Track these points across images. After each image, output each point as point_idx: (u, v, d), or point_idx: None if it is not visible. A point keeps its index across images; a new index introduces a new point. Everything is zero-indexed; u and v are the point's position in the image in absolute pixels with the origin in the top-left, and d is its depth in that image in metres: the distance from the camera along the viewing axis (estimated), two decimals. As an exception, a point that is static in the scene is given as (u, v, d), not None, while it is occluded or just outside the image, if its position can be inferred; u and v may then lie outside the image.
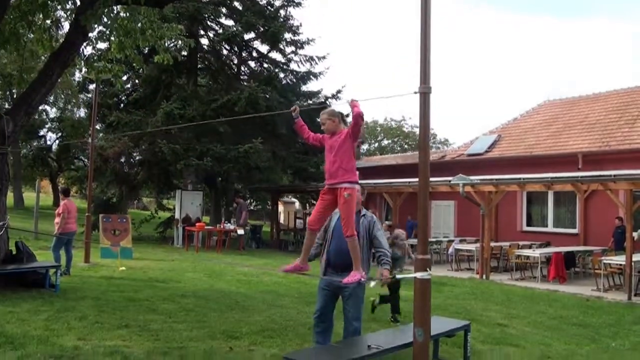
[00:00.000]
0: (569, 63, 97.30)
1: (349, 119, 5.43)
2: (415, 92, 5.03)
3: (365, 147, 56.50)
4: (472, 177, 15.55)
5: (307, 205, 29.11)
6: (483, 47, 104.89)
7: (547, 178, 15.18)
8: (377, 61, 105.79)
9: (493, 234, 18.06)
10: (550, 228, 19.97)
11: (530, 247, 16.97)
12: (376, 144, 60.09)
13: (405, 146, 56.66)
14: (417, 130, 57.25)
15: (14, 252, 9.97)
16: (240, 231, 20.54)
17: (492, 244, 16.13)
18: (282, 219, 30.96)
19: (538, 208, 20.73)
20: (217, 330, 7.24)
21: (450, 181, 15.89)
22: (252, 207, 35.33)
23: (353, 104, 5.14)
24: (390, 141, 59.86)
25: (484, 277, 15.02)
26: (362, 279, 5.27)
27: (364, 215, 5.98)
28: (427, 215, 5.08)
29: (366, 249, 5.78)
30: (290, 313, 8.69)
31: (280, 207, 30.91)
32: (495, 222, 19.53)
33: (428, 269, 4.94)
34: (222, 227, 20.40)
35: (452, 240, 18.87)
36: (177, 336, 6.83)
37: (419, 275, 4.91)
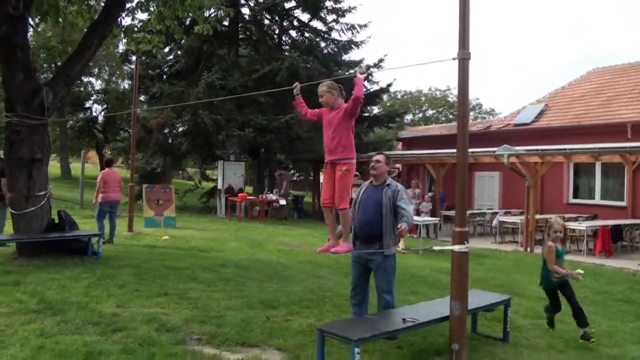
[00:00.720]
0: (619, 29, 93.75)
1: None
2: (454, 59, 4.87)
3: (409, 117, 55.94)
4: (517, 148, 15.18)
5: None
6: (532, 13, 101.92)
7: (595, 149, 14.70)
8: (420, 28, 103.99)
9: (538, 206, 17.65)
10: (597, 200, 19.39)
11: (576, 219, 16.56)
12: (420, 114, 59.42)
13: (450, 116, 55.86)
14: (461, 100, 56.86)
15: (57, 221, 10.15)
16: (282, 201, 20.61)
17: (537, 216, 15.74)
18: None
19: (585, 180, 20.12)
20: (255, 299, 7.27)
21: (494, 152, 15.55)
22: (294, 178, 35.40)
23: (357, 80, 5.15)
24: (434, 111, 59.15)
25: (528, 250, 14.73)
26: (350, 250, 5.50)
27: (388, 184, 5.90)
28: (465, 186, 4.94)
29: (390, 219, 5.72)
30: (328, 284, 8.68)
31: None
32: (541, 194, 19.09)
33: (465, 242, 4.82)
34: (264, 197, 20.50)
35: (496, 213, 18.54)
36: (215, 305, 6.88)
37: (456, 248, 4.80)
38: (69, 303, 6.53)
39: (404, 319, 4.98)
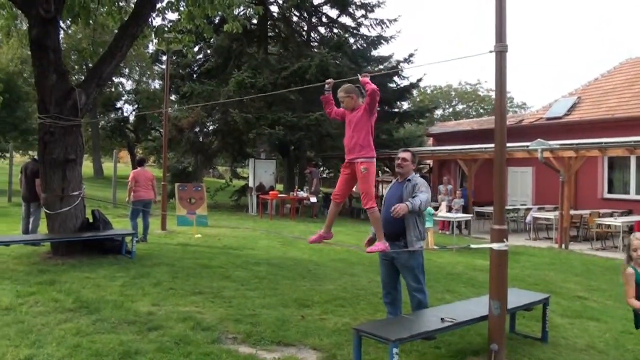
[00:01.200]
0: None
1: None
2: (491, 51, 4.77)
3: (439, 112, 55.46)
4: (550, 142, 14.89)
5: (379, 172, 28.81)
6: (560, 4, 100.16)
7: (630, 142, 14.31)
8: (450, 22, 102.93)
9: (572, 201, 17.31)
10: (632, 195, 18.95)
11: (611, 215, 16.22)
12: (450, 109, 58.88)
13: (481, 111, 55.25)
14: (493, 94, 55.57)
15: (91, 220, 10.26)
16: (313, 199, 20.60)
17: (572, 212, 15.46)
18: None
19: (620, 174, 19.68)
20: (289, 298, 7.24)
21: (528, 146, 15.28)
22: (324, 175, 35.38)
23: (364, 81, 5.21)
24: (465, 105, 58.56)
25: (563, 246, 14.46)
26: (386, 250, 5.40)
27: (409, 179, 5.84)
28: (503, 182, 4.83)
29: (413, 215, 5.62)
30: (362, 282, 8.61)
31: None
32: (575, 189, 18.73)
33: (505, 240, 4.71)
34: (295, 195, 20.51)
35: (530, 209, 18.24)
36: (250, 303, 6.87)
37: (495, 246, 4.69)
38: (105, 302, 6.58)
39: (442, 319, 4.89)
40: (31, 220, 11.07)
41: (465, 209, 17.68)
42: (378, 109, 5.50)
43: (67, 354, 4.85)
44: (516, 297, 5.87)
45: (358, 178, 5.36)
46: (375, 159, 5.43)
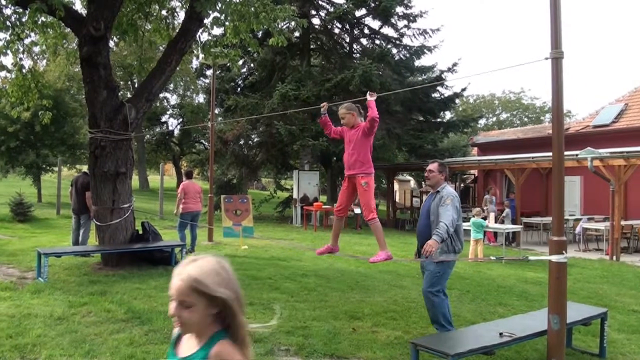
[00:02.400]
0: None
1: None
2: (547, 58, 4.68)
3: (482, 121, 54.74)
4: (600, 150, 14.51)
5: (423, 183, 28.59)
6: (602, 10, 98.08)
7: (685, 149, 13.84)
8: (494, 30, 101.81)
9: (623, 211, 16.81)
10: (684, 204, 18.25)
11: (663, 226, 15.66)
12: (494, 118, 58.09)
13: (525, 119, 54.35)
14: (537, 102, 54.61)
15: (140, 232, 10.41)
16: (357, 210, 20.50)
17: (622, 222, 15.00)
18: (397, 198, 30.66)
19: (670, 182, 18.99)
20: (339, 310, 7.21)
21: (577, 155, 14.92)
22: (366, 186, 35.25)
23: (370, 104, 5.55)
24: (508, 114, 57.68)
25: (614, 258, 14.02)
26: (391, 259, 5.69)
27: (438, 191, 5.95)
28: (562, 192, 4.72)
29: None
30: (412, 294, 8.50)
31: (396, 186, 30.62)
32: (625, 198, 18.18)
33: (564, 251, 4.59)
34: (338, 206, 20.43)
35: (579, 219, 17.77)
36: (300, 315, 6.86)
37: (554, 258, 4.58)
38: (156, 312, 6.65)
39: (500, 334, 4.78)
40: (81, 232, 11.30)
41: (512, 220, 17.35)
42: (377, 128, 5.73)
43: (121, 364, 4.90)
44: (574, 312, 5.70)
45: (359, 192, 5.72)
46: (373, 174, 5.78)
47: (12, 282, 8.16)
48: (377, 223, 5.64)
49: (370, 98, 5.55)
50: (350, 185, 5.84)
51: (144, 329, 5.99)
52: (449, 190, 5.92)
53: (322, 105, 6.01)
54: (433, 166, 6.05)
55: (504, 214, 16.65)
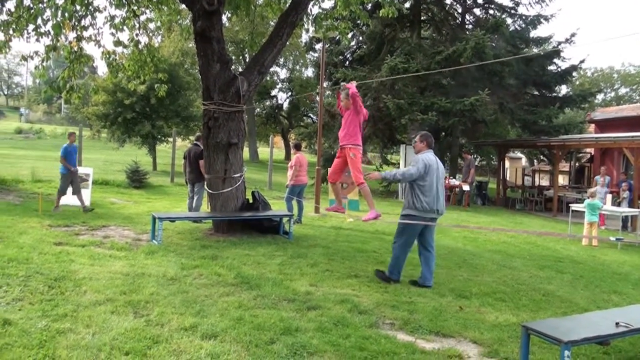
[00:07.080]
0: None
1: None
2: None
3: (600, 96, 51.50)
4: None
5: (536, 161, 27.40)
6: None
7: None
8: None
9: None
10: None
11: None
12: (612, 93, 54.41)
13: (646, 94, 50.59)
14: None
15: (251, 201, 10.67)
16: (466, 187, 20.03)
17: None
18: (508, 176, 29.61)
19: None
20: (446, 287, 7.09)
21: None
22: (476, 163, 34.38)
23: (346, 86, 7.00)
24: (628, 89, 53.77)
25: None
26: (379, 217, 6.89)
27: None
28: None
29: (407, 186, 7.12)
30: (522, 276, 8.21)
31: (507, 163, 29.53)
32: None
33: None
34: (447, 182, 20.05)
35: None
36: (406, 290, 6.81)
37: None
38: (265, 279, 6.82)
39: (617, 323, 4.49)
40: (195, 199, 11.77)
41: (629, 203, 16.29)
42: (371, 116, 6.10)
43: (230, 325, 5.04)
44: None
45: (348, 161, 6.91)
46: (361, 147, 6.99)
47: (127, 243, 8.62)
48: (366, 187, 6.87)
49: (349, 85, 6.89)
50: (342, 155, 7.05)
51: (253, 293, 6.15)
52: (424, 156, 6.96)
53: (352, 82, 7.04)
54: (417, 137, 7.21)
55: (624, 195, 15.66)
